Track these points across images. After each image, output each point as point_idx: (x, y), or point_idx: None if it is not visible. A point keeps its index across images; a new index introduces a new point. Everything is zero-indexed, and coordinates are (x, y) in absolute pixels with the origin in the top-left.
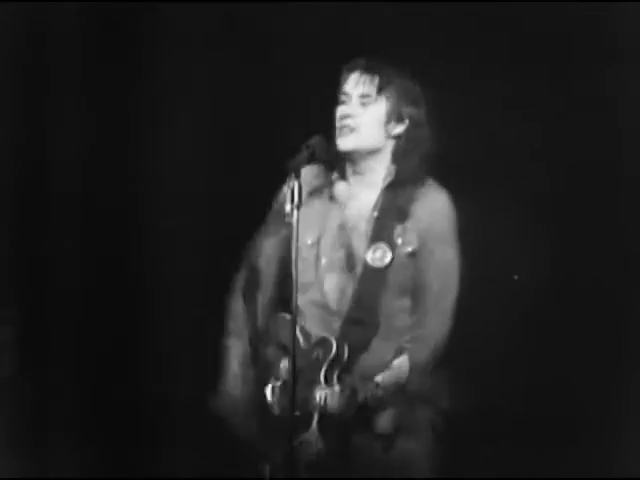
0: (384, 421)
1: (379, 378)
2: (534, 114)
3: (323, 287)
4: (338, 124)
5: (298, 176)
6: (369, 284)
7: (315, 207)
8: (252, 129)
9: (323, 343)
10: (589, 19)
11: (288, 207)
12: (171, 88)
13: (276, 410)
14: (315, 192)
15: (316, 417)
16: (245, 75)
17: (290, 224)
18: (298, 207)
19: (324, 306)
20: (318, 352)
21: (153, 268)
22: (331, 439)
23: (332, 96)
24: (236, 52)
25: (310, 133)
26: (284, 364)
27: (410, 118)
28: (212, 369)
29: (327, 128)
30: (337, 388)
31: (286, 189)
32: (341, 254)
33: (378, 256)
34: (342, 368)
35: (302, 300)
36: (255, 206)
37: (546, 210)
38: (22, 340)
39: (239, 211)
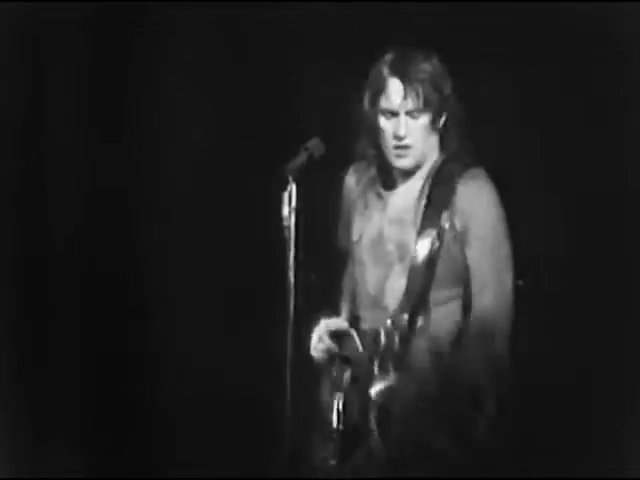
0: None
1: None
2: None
3: (368, 285)
4: (392, 143)
5: (296, 179)
6: (417, 273)
7: (367, 203)
8: (250, 132)
9: (374, 336)
10: (598, 19)
11: (285, 211)
12: (169, 89)
13: (336, 423)
14: (366, 187)
15: (373, 420)
16: (244, 77)
17: (288, 228)
18: (295, 210)
19: (375, 304)
20: (372, 346)
21: (153, 274)
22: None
23: (331, 97)
24: (234, 54)
25: (308, 135)
26: (347, 375)
27: (447, 103)
28: (211, 371)
29: (326, 130)
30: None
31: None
32: (389, 248)
33: (425, 244)
34: (395, 358)
35: (358, 298)
36: (256, 211)
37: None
38: (22, 340)
39: (238, 216)
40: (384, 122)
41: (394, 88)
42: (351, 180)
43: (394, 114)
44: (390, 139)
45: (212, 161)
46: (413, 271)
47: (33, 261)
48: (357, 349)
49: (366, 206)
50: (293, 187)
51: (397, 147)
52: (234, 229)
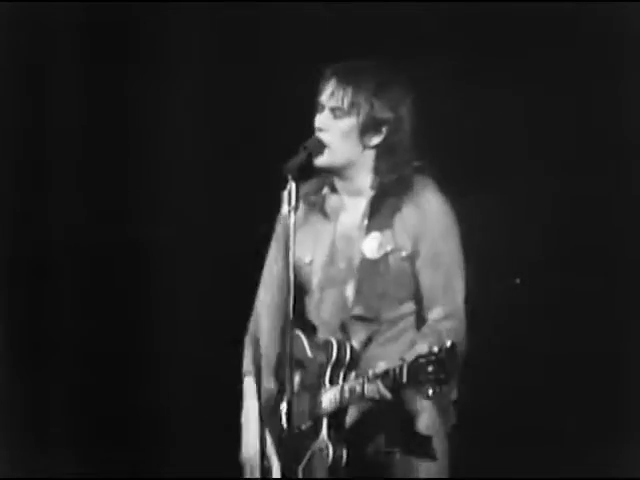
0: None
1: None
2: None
3: (321, 306)
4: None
5: (295, 178)
6: (367, 276)
7: (310, 224)
8: (250, 131)
9: (326, 346)
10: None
11: (285, 209)
12: (169, 90)
13: (286, 424)
14: (310, 208)
15: (325, 423)
16: (240, 77)
17: (287, 226)
18: (295, 209)
19: (324, 323)
20: (321, 356)
21: (151, 277)
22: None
23: None
24: (233, 54)
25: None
26: (297, 379)
27: (388, 125)
28: (210, 374)
29: None
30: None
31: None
32: (340, 266)
33: (375, 246)
34: (346, 368)
35: (313, 313)
36: (254, 211)
37: (544, 211)
38: (22, 341)
39: (238, 215)
40: (316, 117)
41: (329, 85)
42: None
43: (322, 108)
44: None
45: (212, 161)
46: (362, 287)
47: (32, 261)
48: (306, 353)
49: (313, 226)
50: (292, 186)
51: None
52: (234, 228)
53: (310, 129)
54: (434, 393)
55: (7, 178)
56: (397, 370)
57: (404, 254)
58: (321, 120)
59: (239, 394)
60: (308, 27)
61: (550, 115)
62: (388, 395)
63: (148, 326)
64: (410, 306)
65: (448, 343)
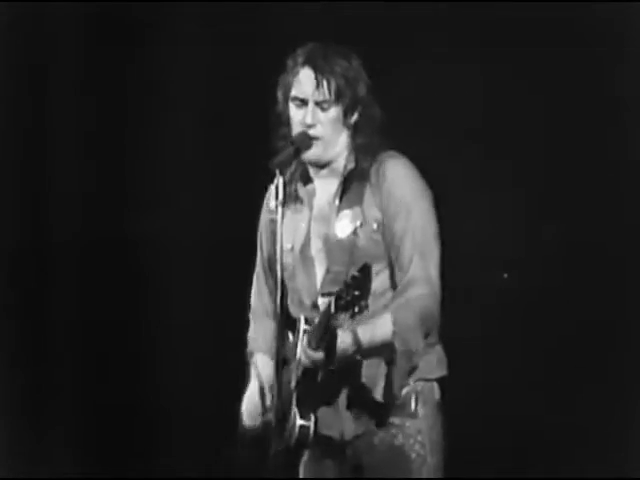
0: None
1: (359, 330)
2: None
3: (300, 285)
4: (297, 132)
5: (283, 173)
6: (338, 256)
7: (288, 213)
8: (237, 126)
9: (297, 325)
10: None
11: (272, 204)
12: (162, 88)
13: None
14: (286, 199)
15: (294, 396)
16: (233, 72)
17: (275, 221)
18: (283, 204)
19: (304, 302)
20: (295, 338)
21: (146, 271)
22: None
23: None
24: (223, 52)
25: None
26: (285, 373)
27: (362, 102)
28: (209, 373)
29: None
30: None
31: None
32: (313, 250)
33: (345, 224)
34: (321, 334)
35: (293, 305)
36: (243, 204)
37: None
38: (22, 341)
39: (226, 210)
40: (294, 112)
41: (306, 77)
42: (271, 195)
43: (304, 103)
44: (298, 129)
45: (200, 156)
46: (332, 266)
47: (31, 257)
48: (292, 348)
49: (291, 214)
50: (280, 180)
51: (310, 137)
52: (222, 223)
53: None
54: (353, 314)
55: (7, 178)
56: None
57: (375, 226)
58: (309, 116)
59: (238, 391)
60: (297, 25)
61: (545, 107)
62: (316, 356)
63: (147, 324)
64: (384, 280)
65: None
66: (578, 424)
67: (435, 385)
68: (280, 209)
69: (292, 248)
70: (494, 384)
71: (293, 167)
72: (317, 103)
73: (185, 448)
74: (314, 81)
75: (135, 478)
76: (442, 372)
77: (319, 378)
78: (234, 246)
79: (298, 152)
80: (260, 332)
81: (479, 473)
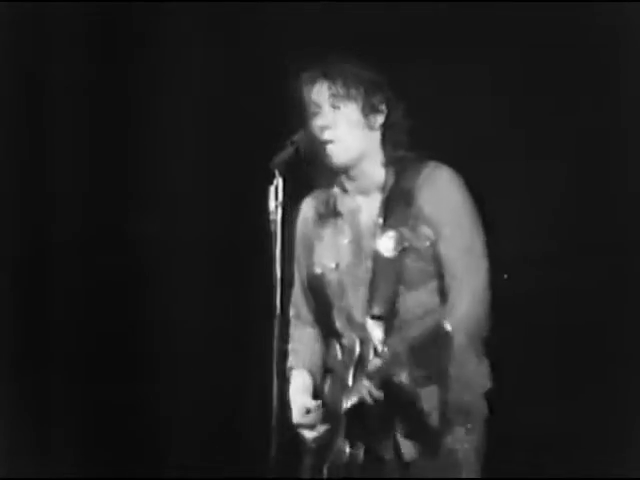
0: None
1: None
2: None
3: (351, 303)
4: (320, 139)
5: (283, 173)
6: (384, 275)
7: (328, 229)
8: (237, 126)
9: (349, 348)
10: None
11: (272, 205)
12: (159, 89)
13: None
14: (324, 216)
15: (343, 422)
16: (231, 73)
17: (274, 221)
18: (282, 204)
19: (356, 323)
20: (345, 358)
21: (145, 272)
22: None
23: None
24: (221, 52)
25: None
26: (328, 384)
27: (386, 102)
28: (209, 373)
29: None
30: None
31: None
32: (357, 269)
33: (390, 245)
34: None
35: (340, 322)
36: (242, 205)
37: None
38: (22, 341)
39: (225, 210)
40: (314, 122)
41: (320, 85)
42: (308, 209)
43: (319, 108)
44: (319, 134)
45: (200, 156)
46: (381, 278)
47: (32, 259)
48: (336, 357)
49: (331, 231)
50: (279, 181)
51: (324, 142)
52: (221, 223)
53: (297, 125)
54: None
55: (6, 178)
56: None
57: (427, 244)
58: (322, 119)
59: (226, 388)
60: (297, 24)
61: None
62: (376, 394)
63: (148, 325)
64: (433, 296)
65: (448, 327)
66: (578, 424)
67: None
68: (279, 210)
69: (337, 266)
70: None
71: (328, 181)
72: (330, 103)
73: (185, 448)
74: (326, 84)
75: (135, 478)
76: (489, 385)
77: (373, 410)
78: (234, 247)
79: (298, 152)
80: (301, 345)
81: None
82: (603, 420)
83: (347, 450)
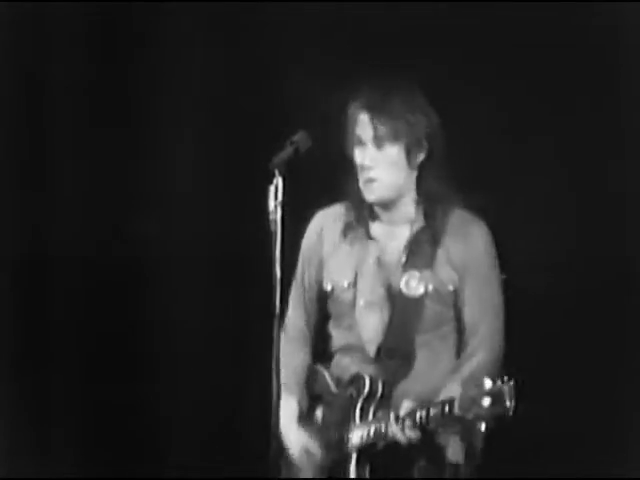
0: (454, 448)
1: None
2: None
3: (361, 329)
4: (360, 175)
5: (282, 173)
6: (403, 314)
7: (351, 246)
8: (236, 126)
9: (357, 381)
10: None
11: (271, 205)
12: (158, 89)
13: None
14: (349, 230)
15: (354, 457)
16: (230, 73)
17: (274, 221)
18: (282, 205)
19: (362, 349)
20: (352, 391)
21: (146, 270)
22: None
23: (316, 93)
24: (220, 53)
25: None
26: (319, 412)
27: (428, 137)
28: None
29: (311, 124)
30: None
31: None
32: (381, 292)
33: (413, 285)
34: (377, 404)
35: (338, 343)
36: (242, 205)
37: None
38: (22, 342)
39: (224, 210)
40: (356, 154)
41: (363, 120)
42: (317, 226)
43: (362, 144)
44: (360, 172)
45: (199, 155)
46: (399, 317)
47: (32, 260)
48: (329, 388)
49: (351, 248)
50: (279, 181)
51: (365, 180)
52: (220, 223)
53: (298, 124)
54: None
55: (7, 178)
56: (424, 412)
57: (451, 288)
58: (365, 156)
59: (239, 393)
60: (295, 25)
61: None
62: (413, 436)
63: (148, 325)
64: (450, 344)
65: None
66: (578, 424)
67: None
68: (279, 210)
69: (350, 286)
70: None
71: (361, 205)
72: (374, 142)
73: (185, 448)
74: (370, 122)
75: (135, 478)
76: None
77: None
78: (233, 247)
79: (297, 152)
80: (290, 367)
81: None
82: (603, 420)
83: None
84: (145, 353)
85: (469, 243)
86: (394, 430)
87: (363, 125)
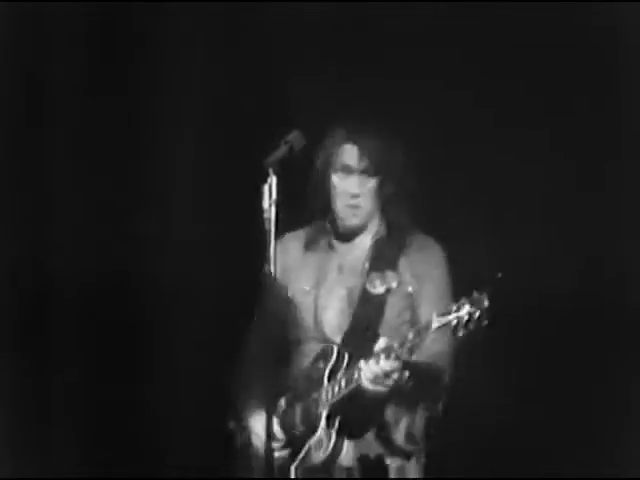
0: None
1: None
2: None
3: (323, 327)
4: (344, 201)
5: (276, 172)
6: (367, 308)
7: (314, 254)
8: (231, 126)
9: (324, 351)
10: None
11: (266, 203)
12: (155, 89)
13: (282, 435)
14: (312, 242)
15: (324, 414)
16: (227, 74)
17: (268, 220)
18: (276, 203)
19: (325, 341)
20: (320, 362)
21: (146, 270)
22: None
23: (313, 94)
24: (217, 54)
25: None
26: (283, 400)
27: (397, 174)
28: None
29: (308, 124)
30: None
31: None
32: (341, 294)
33: (377, 284)
34: (344, 372)
35: (303, 339)
36: (236, 203)
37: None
38: (22, 343)
39: (219, 208)
40: (338, 182)
41: (349, 151)
42: (293, 242)
43: (349, 173)
44: (344, 197)
45: (196, 155)
46: (362, 311)
47: (32, 260)
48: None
49: (317, 259)
50: (273, 180)
51: (349, 206)
52: (214, 221)
53: (292, 124)
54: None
55: (7, 178)
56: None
57: (410, 289)
58: (355, 186)
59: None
60: (302, 26)
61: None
62: (388, 367)
63: (148, 325)
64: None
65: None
66: (578, 424)
67: None
68: (273, 208)
69: (311, 290)
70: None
71: (325, 220)
72: (360, 173)
73: (185, 448)
74: (357, 153)
75: (135, 478)
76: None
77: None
78: (227, 245)
79: (291, 151)
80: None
81: (477, 473)
82: (603, 420)
83: (331, 442)
84: (145, 353)
85: (428, 255)
86: (369, 369)
87: (351, 155)
